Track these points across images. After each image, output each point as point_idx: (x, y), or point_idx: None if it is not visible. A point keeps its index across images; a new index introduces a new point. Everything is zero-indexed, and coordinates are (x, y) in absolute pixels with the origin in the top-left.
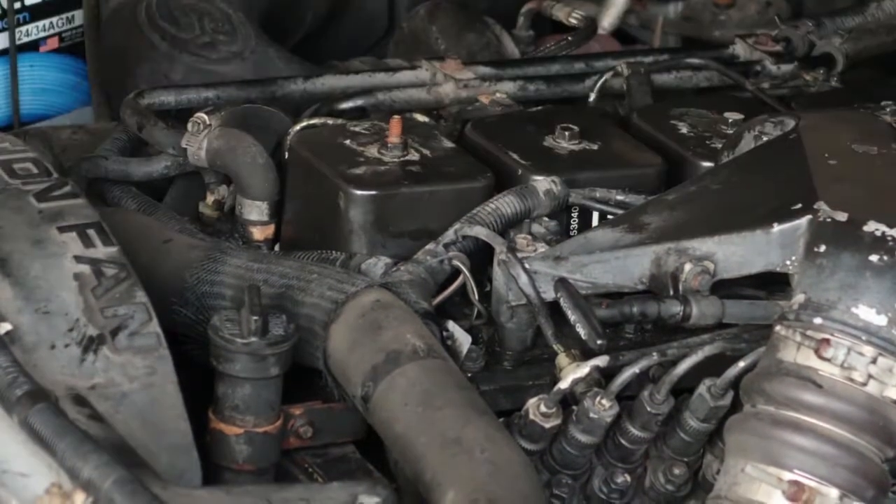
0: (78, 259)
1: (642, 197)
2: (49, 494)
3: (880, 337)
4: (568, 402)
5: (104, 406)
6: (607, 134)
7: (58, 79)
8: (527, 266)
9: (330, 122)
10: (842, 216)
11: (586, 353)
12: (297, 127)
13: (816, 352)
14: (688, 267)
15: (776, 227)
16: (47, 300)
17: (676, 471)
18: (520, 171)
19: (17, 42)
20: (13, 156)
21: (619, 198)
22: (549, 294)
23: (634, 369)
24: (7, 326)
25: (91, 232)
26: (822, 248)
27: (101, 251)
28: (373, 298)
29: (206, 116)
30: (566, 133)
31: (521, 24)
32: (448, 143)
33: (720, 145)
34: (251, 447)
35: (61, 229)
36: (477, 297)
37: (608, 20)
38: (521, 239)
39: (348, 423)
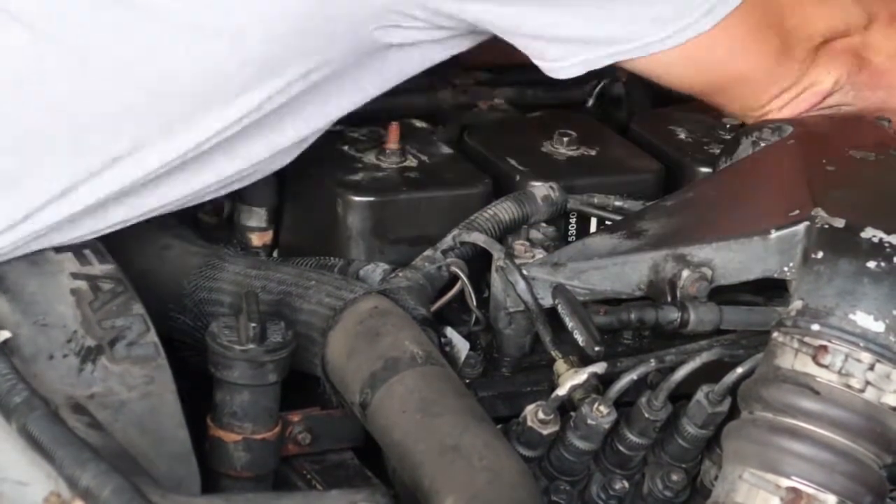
0: (74, 276)
1: (640, 203)
2: (47, 503)
3: (878, 343)
4: (566, 408)
5: (103, 415)
6: (605, 139)
7: None
8: (525, 272)
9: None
10: (839, 222)
11: (584, 360)
12: None
13: (814, 358)
14: (685, 273)
15: (774, 234)
16: (45, 313)
17: (674, 477)
18: (518, 177)
19: None
20: None
21: (618, 203)
22: (547, 300)
23: (632, 376)
24: (6, 334)
25: (87, 252)
26: (820, 254)
27: (98, 268)
28: (371, 305)
29: None
30: (564, 138)
31: None
32: (446, 149)
33: (718, 151)
34: (249, 454)
35: (57, 250)
36: (475, 303)
37: None
38: (519, 245)
39: (347, 430)
